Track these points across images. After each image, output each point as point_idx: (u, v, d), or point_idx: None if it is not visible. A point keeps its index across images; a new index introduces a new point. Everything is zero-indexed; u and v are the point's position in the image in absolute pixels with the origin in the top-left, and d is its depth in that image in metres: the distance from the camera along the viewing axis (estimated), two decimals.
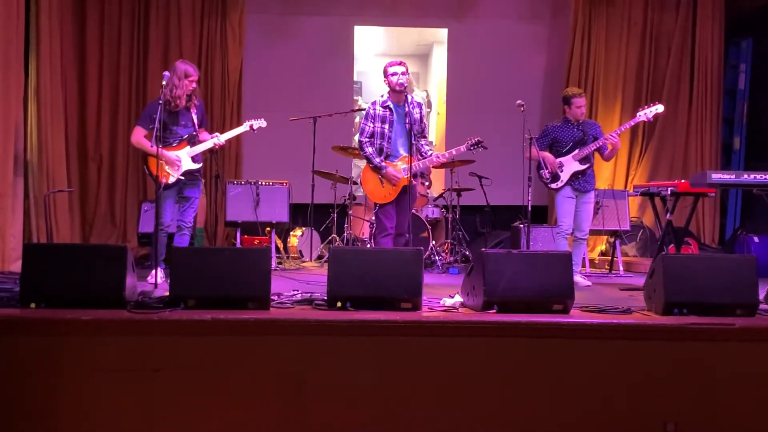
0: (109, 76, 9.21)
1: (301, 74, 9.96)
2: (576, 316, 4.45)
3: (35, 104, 7.65)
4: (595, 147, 6.91)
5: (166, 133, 6.09)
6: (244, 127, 6.58)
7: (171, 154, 6.14)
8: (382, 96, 6.47)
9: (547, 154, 6.96)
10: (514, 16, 10.26)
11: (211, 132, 6.48)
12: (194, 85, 6.25)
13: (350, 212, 8.48)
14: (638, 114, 6.94)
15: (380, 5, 10.12)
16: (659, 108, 6.93)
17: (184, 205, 6.34)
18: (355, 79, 10.27)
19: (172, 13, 9.37)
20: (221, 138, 6.37)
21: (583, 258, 8.13)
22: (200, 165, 6.33)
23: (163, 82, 5.83)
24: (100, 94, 9.20)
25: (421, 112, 6.52)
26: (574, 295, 4.54)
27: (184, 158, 6.20)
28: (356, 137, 7.76)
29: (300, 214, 8.99)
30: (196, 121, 6.30)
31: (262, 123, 6.62)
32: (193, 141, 6.28)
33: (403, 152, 6.38)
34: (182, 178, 6.19)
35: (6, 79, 6.36)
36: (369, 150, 6.39)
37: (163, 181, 6.07)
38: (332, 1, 10.00)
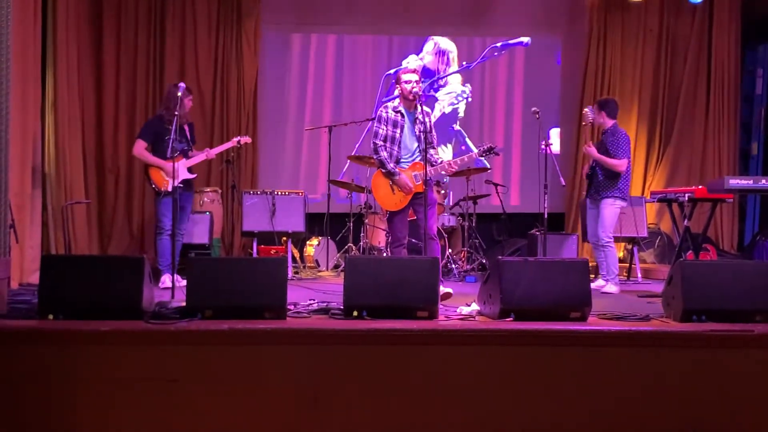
0: (126, 87, 9.26)
1: (316, 84, 10.02)
2: (594, 324, 4.43)
3: (53, 116, 7.70)
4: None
5: (165, 146, 6.50)
6: (231, 143, 7.28)
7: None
8: (393, 101, 6.41)
9: (586, 165, 7.01)
10: (529, 23, 10.23)
11: (200, 149, 7.20)
12: (191, 102, 7.09)
13: (366, 221, 8.47)
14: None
15: (392, 15, 10.08)
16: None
17: (180, 214, 6.65)
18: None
19: (187, 24, 9.40)
20: (211, 152, 7.10)
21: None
22: (195, 176, 7.05)
23: (179, 93, 6.13)
24: (117, 106, 9.24)
25: (430, 122, 6.29)
26: (592, 302, 4.52)
27: (181, 169, 6.76)
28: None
29: (316, 223, 8.99)
30: (189, 137, 6.97)
31: (247, 139, 7.45)
32: (187, 155, 6.94)
33: (414, 158, 6.21)
34: (180, 186, 6.52)
35: (24, 91, 6.40)
36: (383, 154, 6.13)
37: (163, 189, 6.73)
38: (345, 13, 10.01)
